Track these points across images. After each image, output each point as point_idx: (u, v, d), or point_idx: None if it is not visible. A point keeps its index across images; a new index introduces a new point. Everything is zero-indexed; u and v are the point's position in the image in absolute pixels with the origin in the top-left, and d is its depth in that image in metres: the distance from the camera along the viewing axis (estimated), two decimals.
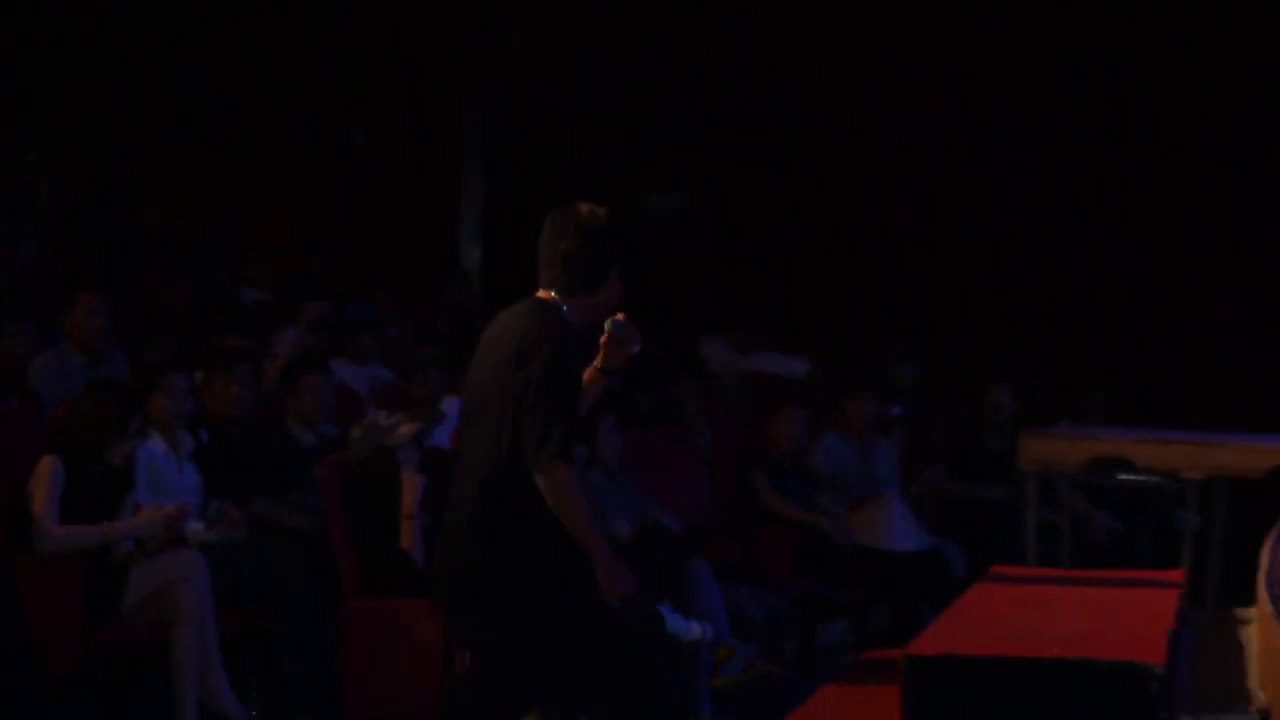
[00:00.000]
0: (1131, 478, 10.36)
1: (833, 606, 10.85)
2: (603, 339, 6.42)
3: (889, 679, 5.35)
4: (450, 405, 10.18)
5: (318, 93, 15.77)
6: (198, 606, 7.75)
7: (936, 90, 15.12)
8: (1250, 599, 6.95)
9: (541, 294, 6.39)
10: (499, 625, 6.34)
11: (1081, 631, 5.77)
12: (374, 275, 14.48)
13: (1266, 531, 7.77)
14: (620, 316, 6.44)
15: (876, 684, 5.87)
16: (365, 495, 8.58)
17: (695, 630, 9.29)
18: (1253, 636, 6.74)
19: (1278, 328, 14.52)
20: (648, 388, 12.05)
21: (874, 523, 10.83)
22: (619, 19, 15.81)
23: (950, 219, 14.49)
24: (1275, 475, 9.64)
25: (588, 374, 6.42)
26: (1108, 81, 15.21)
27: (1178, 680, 5.75)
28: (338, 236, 15.37)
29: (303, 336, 11.19)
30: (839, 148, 14.83)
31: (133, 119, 15.73)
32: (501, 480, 6.23)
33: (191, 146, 15.88)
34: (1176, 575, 7.39)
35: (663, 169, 14.98)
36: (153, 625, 7.75)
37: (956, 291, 14.56)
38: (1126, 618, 6.14)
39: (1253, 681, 6.22)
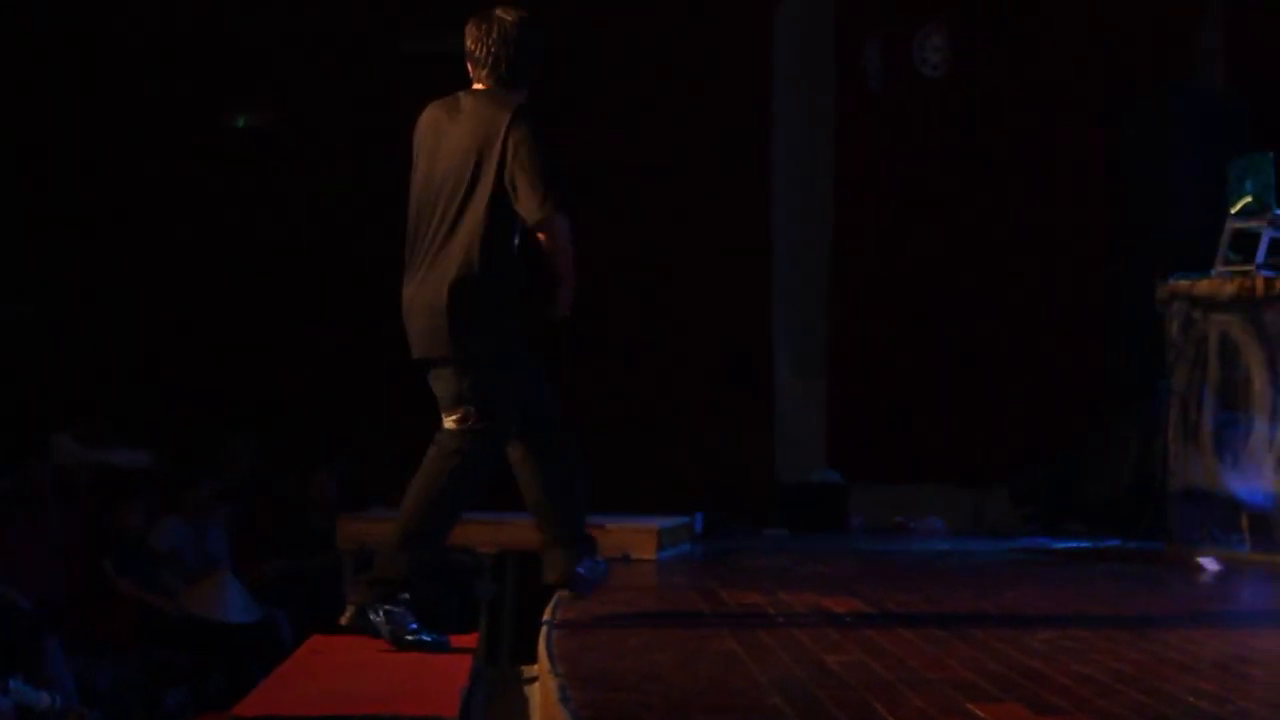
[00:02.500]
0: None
1: (174, 673, 10.69)
2: None
3: None
4: None
5: None
6: None
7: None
8: (535, 657, 6.87)
9: (480, 87, 6.55)
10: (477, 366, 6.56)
11: (387, 691, 5.85)
12: None
13: (549, 597, 7.93)
14: None
15: None
16: None
17: (45, 699, 9.11)
18: (535, 689, 6.79)
19: None
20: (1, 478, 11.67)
21: (208, 597, 10.76)
22: None
23: (268, 322, 13.92)
24: None
25: None
26: None
27: None
28: None
29: None
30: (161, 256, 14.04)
31: None
32: (485, 245, 6.35)
33: None
34: (471, 639, 7.50)
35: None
36: None
37: (285, 386, 14.16)
38: (427, 677, 6.22)
39: None
